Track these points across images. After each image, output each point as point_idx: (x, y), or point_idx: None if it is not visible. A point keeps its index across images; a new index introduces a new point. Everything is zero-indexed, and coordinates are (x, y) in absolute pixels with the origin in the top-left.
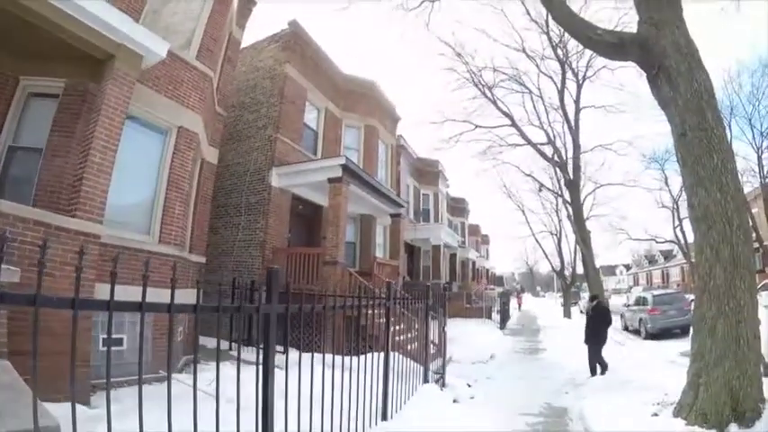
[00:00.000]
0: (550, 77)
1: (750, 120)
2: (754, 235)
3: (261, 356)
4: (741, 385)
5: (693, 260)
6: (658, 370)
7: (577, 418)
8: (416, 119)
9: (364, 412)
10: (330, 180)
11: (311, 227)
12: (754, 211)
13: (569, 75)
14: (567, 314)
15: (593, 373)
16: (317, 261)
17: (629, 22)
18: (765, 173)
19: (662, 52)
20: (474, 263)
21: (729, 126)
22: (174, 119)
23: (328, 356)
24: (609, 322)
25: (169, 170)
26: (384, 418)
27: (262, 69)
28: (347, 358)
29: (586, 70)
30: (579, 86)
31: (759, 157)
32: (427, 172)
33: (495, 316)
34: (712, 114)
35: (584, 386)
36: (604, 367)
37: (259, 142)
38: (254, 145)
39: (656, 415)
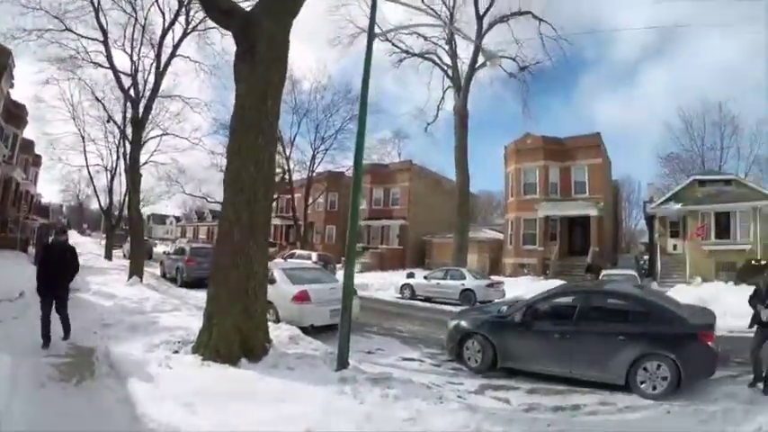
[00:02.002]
0: (163, 13)
1: (317, 126)
2: (290, 213)
3: None
4: (249, 328)
5: None
6: (186, 314)
7: (103, 356)
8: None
9: None
10: None
11: None
12: (297, 195)
13: (182, 19)
14: (109, 256)
15: None
16: None
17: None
18: (312, 168)
19: (259, 36)
20: (18, 185)
21: (299, 123)
22: None
23: None
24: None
25: None
26: None
27: None
28: None
29: (199, 23)
30: (185, 34)
31: (313, 156)
32: None
33: (32, 249)
34: (272, 103)
35: (113, 326)
36: None
37: None
38: None
39: (176, 352)
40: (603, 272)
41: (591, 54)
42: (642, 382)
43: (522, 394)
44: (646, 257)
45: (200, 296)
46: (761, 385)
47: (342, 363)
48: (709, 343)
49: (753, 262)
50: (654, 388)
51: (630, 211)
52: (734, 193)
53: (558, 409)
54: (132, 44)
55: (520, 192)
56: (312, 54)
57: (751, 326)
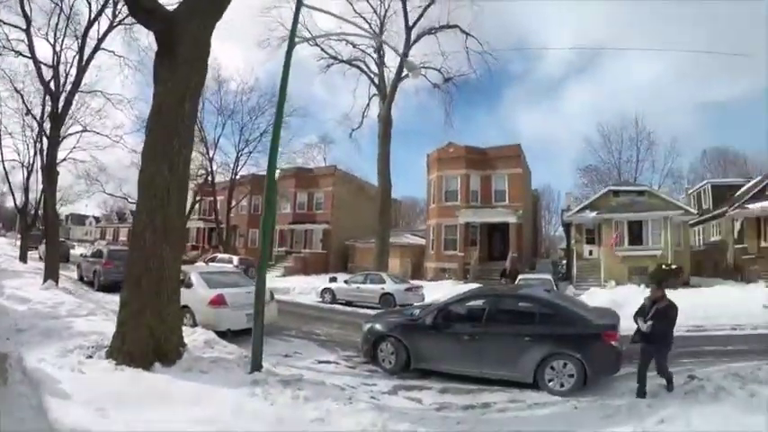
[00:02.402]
0: (90, 3)
1: (242, 128)
2: (213, 216)
3: None
4: (163, 332)
5: None
6: (102, 318)
7: (16, 363)
8: None
9: None
10: None
11: None
12: (220, 198)
13: (108, 11)
14: (24, 258)
15: None
16: None
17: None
18: (236, 170)
19: (181, 37)
20: None
21: (224, 125)
22: None
23: None
24: None
25: None
26: None
27: None
28: None
29: (125, 17)
30: (110, 27)
31: (237, 158)
32: None
33: None
34: (190, 105)
35: (26, 332)
36: None
37: None
38: None
39: (90, 357)
40: (520, 276)
41: (517, 68)
42: (550, 380)
43: (435, 394)
44: (564, 262)
45: (117, 300)
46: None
47: (255, 366)
48: (613, 342)
49: (663, 266)
50: (561, 385)
51: (550, 219)
52: (646, 203)
53: (469, 408)
54: (56, 34)
55: (441, 198)
56: (240, 54)
57: (634, 340)
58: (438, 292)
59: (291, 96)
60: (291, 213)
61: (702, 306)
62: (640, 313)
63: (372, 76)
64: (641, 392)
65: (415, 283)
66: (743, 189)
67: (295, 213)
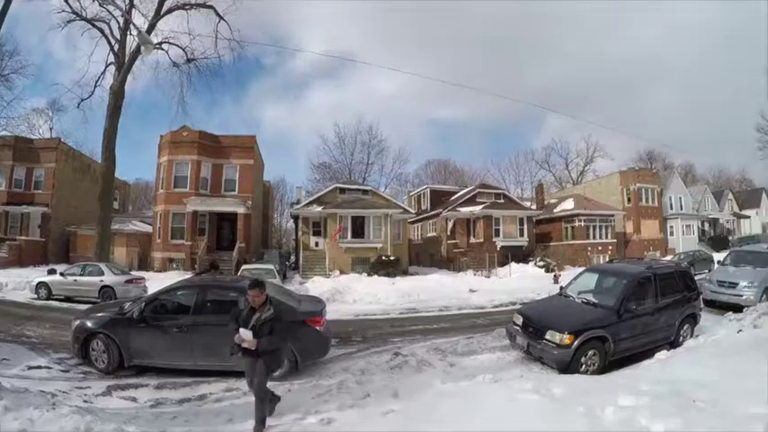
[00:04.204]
0: None
1: None
2: None
3: None
4: None
5: None
6: None
7: None
8: None
9: None
10: None
11: None
12: None
13: None
14: None
15: None
16: None
17: None
18: None
19: None
20: None
21: None
22: None
23: None
24: None
25: None
26: None
27: None
28: None
29: None
30: None
31: None
32: None
33: None
34: None
35: None
36: None
37: None
38: None
39: None
40: (244, 266)
41: (268, 62)
42: None
43: (150, 390)
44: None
45: None
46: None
47: None
48: (318, 328)
49: (383, 258)
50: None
51: (283, 211)
52: (370, 201)
53: (185, 401)
54: None
55: (171, 184)
56: None
57: (232, 353)
58: (164, 283)
59: (21, 50)
60: (6, 192)
61: (417, 290)
62: (235, 318)
63: (113, 42)
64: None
65: (137, 274)
66: (457, 195)
67: (10, 192)
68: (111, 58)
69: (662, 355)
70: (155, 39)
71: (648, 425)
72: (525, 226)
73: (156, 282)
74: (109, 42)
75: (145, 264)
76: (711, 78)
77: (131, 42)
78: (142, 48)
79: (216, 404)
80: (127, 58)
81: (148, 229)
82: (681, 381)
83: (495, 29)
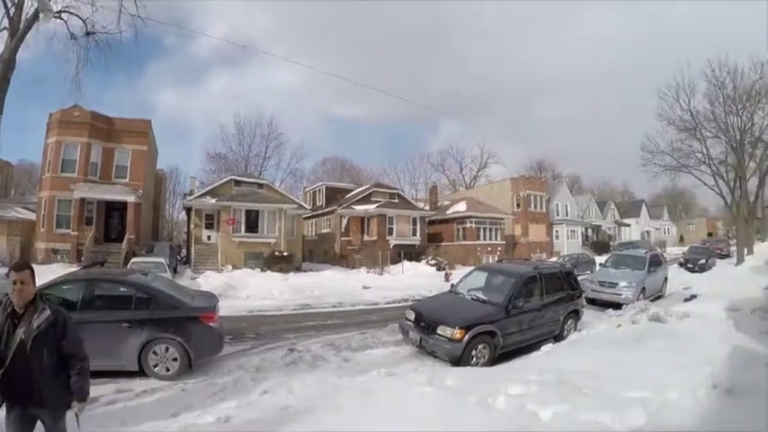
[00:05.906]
0: None
1: None
2: None
3: None
4: None
5: None
6: None
7: None
8: None
9: None
10: None
11: None
12: None
13: None
14: None
15: None
16: None
17: None
18: None
19: None
20: None
21: None
22: None
23: None
24: None
25: None
26: None
27: None
28: None
29: None
30: None
31: None
32: None
33: None
34: None
35: None
36: None
37: None
38: None
39: None
40: (133, 259)
41: (169, 43)
42: (155, 366)
43: None
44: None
45: None
46: None
47: None
48: (212, 324)
49: (277, 253)
50: (167, 369)
51: (175, 202)
52: (264, 195)
53: None
54: None
55: (58, 168)
56: None
57: None
58: (46, 276)
59: None
60: None
61: (311, 286)
62: None
63: (10, 4)
64: None
65: None
66: (352, 193)
67: None
68: (5, 23)
69: (548, 347)
70: (55, 6)
71: (537, 410)
72: (418, 226)
73: (40, 275)
74: (5, 5)
75: (27, 254)
76: (607, 96)
77: (28, 7)
78: (41, 14)
79: (108, 407)
80: (22, 25)
81: (32, 216)
82: (566, 371)
83: (402, 30)
